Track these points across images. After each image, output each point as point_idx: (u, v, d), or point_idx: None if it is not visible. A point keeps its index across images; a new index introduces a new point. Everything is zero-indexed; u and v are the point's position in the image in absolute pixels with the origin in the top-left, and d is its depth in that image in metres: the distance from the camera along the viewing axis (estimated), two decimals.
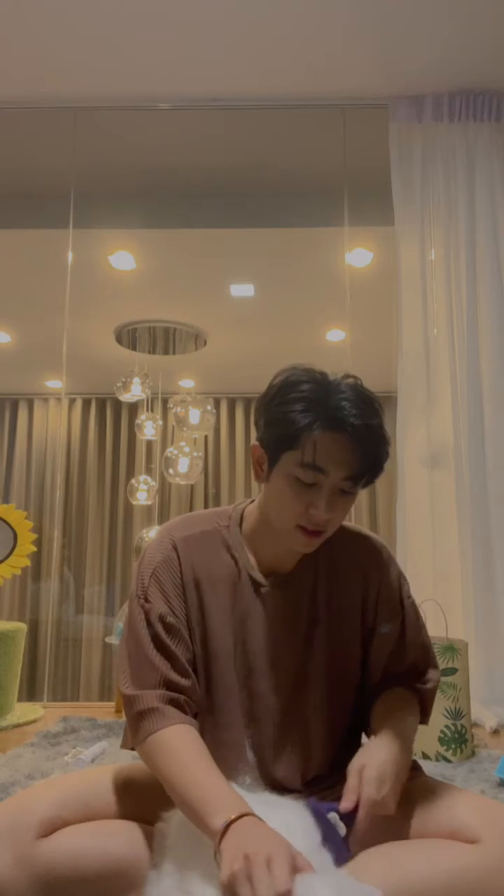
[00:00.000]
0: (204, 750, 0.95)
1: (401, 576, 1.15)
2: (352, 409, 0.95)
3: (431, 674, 1.16)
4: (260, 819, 0.84)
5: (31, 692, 4.42)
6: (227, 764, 0.98)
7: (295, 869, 0.76)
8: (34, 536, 2.95)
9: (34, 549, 2.96)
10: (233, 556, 1.09)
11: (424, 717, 1.15)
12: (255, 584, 1.08)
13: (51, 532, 5.11)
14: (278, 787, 1.04)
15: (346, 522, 1.14)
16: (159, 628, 1.02)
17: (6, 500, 5.59)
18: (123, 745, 1.07)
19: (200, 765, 0.92)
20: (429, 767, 1.95)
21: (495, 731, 2.48)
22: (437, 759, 2.07)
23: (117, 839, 0.95)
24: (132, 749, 1.03)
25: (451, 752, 2.06)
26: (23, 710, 2.73)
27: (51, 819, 0.93)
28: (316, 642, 1.08)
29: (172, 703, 0.99)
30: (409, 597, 1.15)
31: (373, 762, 0.95)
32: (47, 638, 4.83)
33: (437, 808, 0.95)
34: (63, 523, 5.60)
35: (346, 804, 0.91)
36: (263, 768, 1.06)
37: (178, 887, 0.85)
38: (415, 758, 1.11)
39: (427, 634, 1.18)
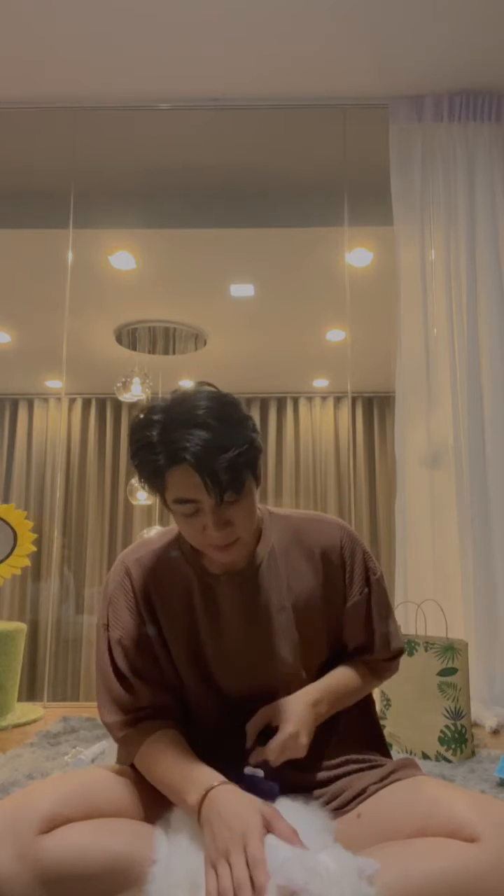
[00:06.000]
0: (174, 743, 1.05)
1: (365, 554, 1.18)
2: (189, 437, 0.95)
3: (391, 649, 1.21)
4: (229, 784, 0.95)
5: (31, 692, 4.42)
6: (232, 751, 1.06)
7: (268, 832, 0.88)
8: (34, 536, 2.95)
9: (34, 549, 2.96)
10: (188, 564, 1.14)
11: (377, 677, 1.21)
12: (211, 586, 1.12)
13: (51, 532, 5.11)
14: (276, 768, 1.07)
15: (305, 511, 1.21)
16: (118, 652, 1.10)
17: (6, 500, 5.58)
18: (119, 762, 1.16)
19: (173, 759, 1.02)
20: (429, 767, 1.96)
21: (495, 731, 2.48)
22: (437, 759, 2.07)
23: (119, 836, 0.96)
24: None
25: (451, 752, 2.06)
26: (23, 710, 2.73)
27: (52, 815, 0.94)
28: (283, 629, 1.11)
29: (137, 721, 1.08)
30: (376, 574, 1.18)
31: (285, 708, 1.04)
32: (47, 638, 4.83)
33: (437, 807, 0.95)
34: (63, 523, 5.60)
35: (254, 758, 1.00)
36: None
37: (184, 881, 0.86)
38: (414, 757, 1.13)
39: (393, 618, 1.22)
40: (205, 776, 0.97)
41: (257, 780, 1.01)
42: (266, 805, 0.93)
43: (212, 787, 0.94)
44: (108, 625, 1.13)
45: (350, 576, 1.15)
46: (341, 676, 1.15)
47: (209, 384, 1.07)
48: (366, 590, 1.16)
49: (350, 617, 1.16)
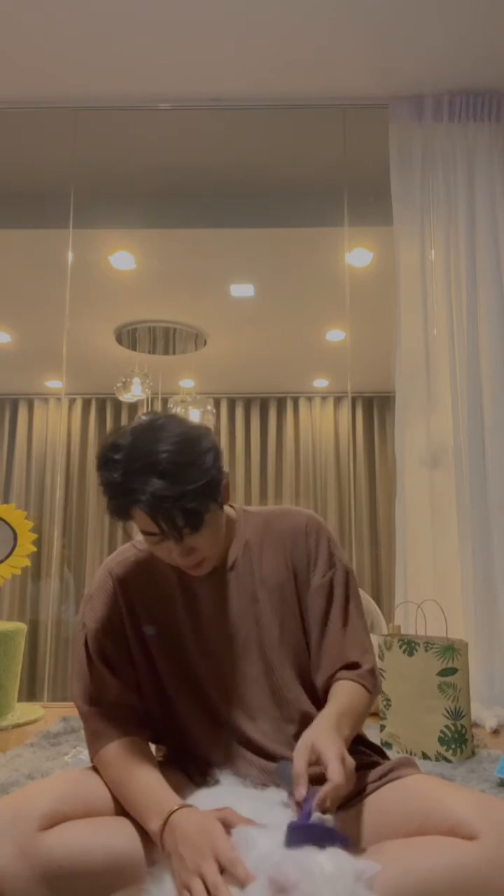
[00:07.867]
0: (137, 758, 1.03)
1: (331, 541, 1.20)
2: (145, 488, 0.98)
3: (363, 659, 1.15)
4: (186, 807, 0.93)
5: (31, 692, 4.42)
6: (213, 750, 1.10)
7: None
8: (34, 536, 2.95)
9: (34, 549, 2.96)
10: (168, 566, 1.15)
11: (373, 693, 1.16)
12: (191, 586, 1.15)
13: (51, 532, 5.10)
14: (271, 758, 1.09)
15: (277, 506, 1.25)
16: (93, 645, 1.12)
17: (6, 500, 5.58)
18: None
19: (133, 776, 1.01)
20: (429, 767, 1.96)
21: (495, 731, 2.48)
22: (437, 759, 2.07)
23: (118, 835, 0.97)
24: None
25: (451, 752, 2.06)
26: (23, 710, 2.73)
27: (52, 812, 0.95)
28: (261, 619, 1.14)
29: (113, 717, 1.09)
30: (341, 561, 1.19)
31: (322, 738, 0.95)
32: (47, 638, 4.83)
33: (436, 805, 0.95)
34: (63, 523, 5.59)
35: (300, 792, 0.89)
36: (253, 746, 1.11)
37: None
38: (413, 757, 1.12)
39: (361, 614, 1.18)
40: (163, 799, 0.95)
41: (325, 830, 0.85)
42: (218, 809, 0.89)
43: (171, 812, 0.92)
44: (84, 623, 1.15)
45: (315, 559, 1.17)
46: (341, 694, 1.09)
47: (169, 414, 1.09)
48: (329, 572, 1.16)
49: (311, 604, 1.15)
